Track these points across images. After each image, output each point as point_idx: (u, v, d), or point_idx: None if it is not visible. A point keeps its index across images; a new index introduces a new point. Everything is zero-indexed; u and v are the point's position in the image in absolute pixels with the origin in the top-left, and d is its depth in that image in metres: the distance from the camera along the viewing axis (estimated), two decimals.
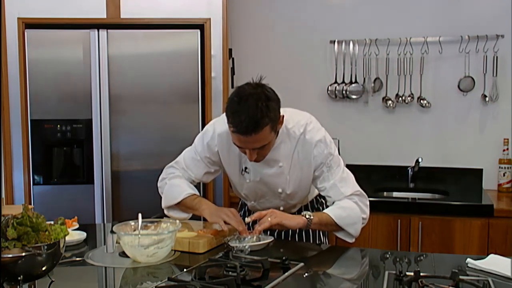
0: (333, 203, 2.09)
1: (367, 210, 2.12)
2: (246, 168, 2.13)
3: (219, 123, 2.15)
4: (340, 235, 2.09)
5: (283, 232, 2.22)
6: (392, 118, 3.75)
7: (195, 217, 2.22)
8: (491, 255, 1.76)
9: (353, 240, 2.10)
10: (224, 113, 1.94)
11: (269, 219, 1.92)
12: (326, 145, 2.09)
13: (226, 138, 2.10)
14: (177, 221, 1.97)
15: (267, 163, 2.08)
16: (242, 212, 2.38)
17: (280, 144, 2.07)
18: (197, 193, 2.19)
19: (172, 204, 2.17)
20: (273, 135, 1.95)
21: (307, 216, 1.98)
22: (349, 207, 2.06)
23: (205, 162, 2.21)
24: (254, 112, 1.82)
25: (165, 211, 2.21)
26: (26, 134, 3.21)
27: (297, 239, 2.23)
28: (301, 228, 2.04)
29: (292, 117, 2.12)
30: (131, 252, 1.78)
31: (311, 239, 2.25)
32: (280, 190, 2.13)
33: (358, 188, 2.12)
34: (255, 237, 1.92)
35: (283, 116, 1.99)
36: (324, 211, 2.08)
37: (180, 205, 2.17)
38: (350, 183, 2.11)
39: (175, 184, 2.20)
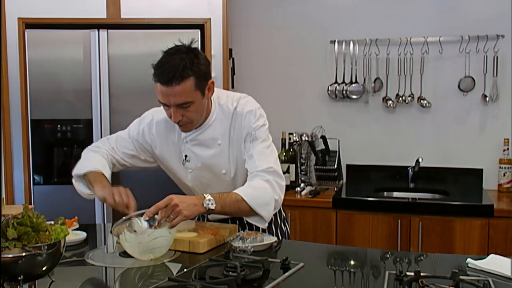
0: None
1: (281, 192, 2.04)
2: (186, 156, 2.11)
3: (158, 111, 2.15)
4: (252, 220, 2.01)
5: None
6: (392, 118, 3.75)
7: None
8: (492, 255, 1.75)
9: (266, 225, 2.01)
10: None
11: (171, 216, 1.80)
12: (255, 116, 2.06)
13: (164, 125, 2.12)
14: None
15: (205, 144, 2.07)
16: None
17: (215, 121, 2.07)
18: (106, 172, 2.09)
19: (78, 174, 2.11)
20: (198, 95, 1.92)
21: (204, 204, 1.86)
22: (261, 187, 1.98)
23: (135, 145, 2.19)
24: (178, 63, 1.85)
25: (73, 180, 2.14)
26: (26, 134, 3.21)
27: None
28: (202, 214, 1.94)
29: (227, 93, 2.14)
30: (131, 250, 1.78)
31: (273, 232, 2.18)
32: (224, 171, 2.09)
33: (276, 167, 2.05)
34: (258, 238, 1.92)
35: (213, 82, 1.99)
36: (235, 191, 1.96)
37: (86, 179, 2.10)
38: (269, 159, 2.04)
39: (90, 157, 2.16)
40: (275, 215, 2.19)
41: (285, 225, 2.31)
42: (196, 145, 2.09)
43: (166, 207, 1.82)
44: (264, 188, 1.99)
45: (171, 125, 2.10)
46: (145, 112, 2.25)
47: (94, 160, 2.14)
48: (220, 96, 2.11)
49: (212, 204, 1.88)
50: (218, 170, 2.11)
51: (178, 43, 1.96)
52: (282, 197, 2.08)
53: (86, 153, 2.21)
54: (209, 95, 2.00)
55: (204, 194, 1.91)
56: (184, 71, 1.85)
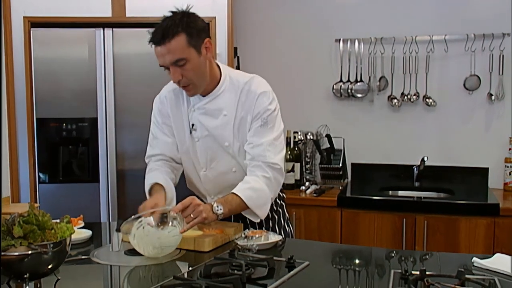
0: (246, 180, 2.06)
1: (277, 188, 2.12)
2: (193, 125, 2.13)
3: (163, 89, 2.23)
4: (246, 213, 2.07)
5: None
6: (398, 116, 3.74)
7: None
8: (497, 254, 1.75)
9: (258, 220, 2.09)
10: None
11: (191, 215, 1.87)
12: (268, 98, 2.08)
13: (173, 94, 2.16)
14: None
15: (211, 113, 2.09)
16: None
17: (224, 92, 2.09)
18: (157, 179, 2.13)
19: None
20: (193, 53, 1.95)
21: (214, 210, 1.94)
22: (260, 188, 2.04)
23: (166, 132, 2.20)
24: (168, 23, 1.93)
25: None
26: (31, 133, 3.22)
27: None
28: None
29: (238, 71, 2.20)
30: (144, 245, 1.78)
31: (277, 231, 2.22)
32: (227, 144, 2.10)
33: (281, 164, 2.09)
34: (263, 236, 1.92)
35: (210, 41, 2.02)
36: (234, 191, 2.02)
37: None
38: (277, 153, 2.08)
39: (146, 179, 2.21)
40: (278, 215, 2.25)
41: (288, 226, 2.31)
42: (202, 114, 2.11)
43: (188, 206, 1.88)
44: (262, 190, 2.05)
45: (180, 94, 2.14)
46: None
47: (147, 181, 2.18)
48: (231, 71, 2.17)
49: (220, 209, 1.95)
50: (222, 141, 2.12)
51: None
52: (278, 192, 2.15)
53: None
54: (208, 56, 2.02)
55: (212, 203, 1.97)
56: (174, 28, 1.91)
